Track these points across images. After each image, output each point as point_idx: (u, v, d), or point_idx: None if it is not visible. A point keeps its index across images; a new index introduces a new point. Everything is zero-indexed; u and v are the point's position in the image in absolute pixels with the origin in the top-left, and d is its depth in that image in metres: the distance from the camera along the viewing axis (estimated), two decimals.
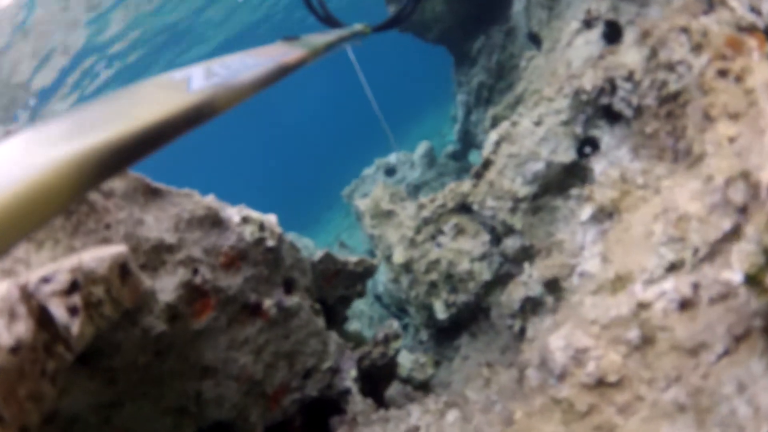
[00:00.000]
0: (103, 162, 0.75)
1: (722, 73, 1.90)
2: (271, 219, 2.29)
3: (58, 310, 1.36)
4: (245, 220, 2.17)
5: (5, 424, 1.35)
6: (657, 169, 2.40)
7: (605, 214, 2.31)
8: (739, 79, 1.84)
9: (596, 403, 1.65)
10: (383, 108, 4.59)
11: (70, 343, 1.42)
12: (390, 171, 7.35)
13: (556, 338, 1.81)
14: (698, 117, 2.08)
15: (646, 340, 1.62)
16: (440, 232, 3.99)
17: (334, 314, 3.20)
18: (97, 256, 1.42)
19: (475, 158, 7.47)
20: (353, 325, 5.35)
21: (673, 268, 1.71)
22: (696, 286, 1.59)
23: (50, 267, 1.40)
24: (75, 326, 1.35)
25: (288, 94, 39.74)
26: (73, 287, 1.38)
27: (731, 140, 1.74)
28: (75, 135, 0.76)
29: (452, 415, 2.60)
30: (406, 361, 3.84)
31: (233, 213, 2.17)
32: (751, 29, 2.01)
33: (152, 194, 1.99)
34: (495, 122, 4.96)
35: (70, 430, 1.90)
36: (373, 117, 4.72)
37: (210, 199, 2.12)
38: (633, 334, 1.64)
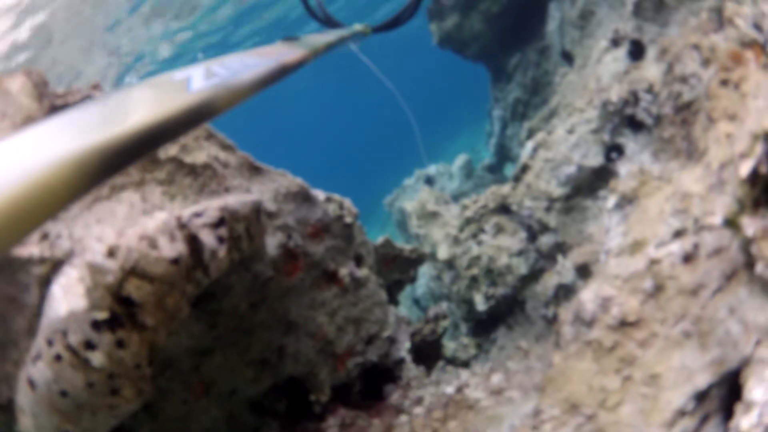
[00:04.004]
0: (104, 161, 0.78)
1: (724, 82, 2.30)
2: (348, 201, 2.74)
3: (208, 237, 1.69)
4: (329, 199, 2.62)
5: (146, 331, 1.59)
6: (671, 165, 2.81)
7: (627, 201, 2.72)
8: (737, 86, 2.25)
9: (620, 340, 2.06)
10: (420, 123, 4.86)
11: (209, 269, 1.74)
12: (429, 181, 7.80)
13: (587, 292, 2.23)
14: (705, 120, 2.49)
15: (658, 288, 2.03)
16: (482, 230, 4.40)
17: (389, 296, 3.60)
18: (239, 200, 1.84)
19: (509, 171, 7.86)
20: None
21: (679, 234, 2.13)
22: (696, 245, 2.00)
23: (200, 205, 1.78)
24: (222, 251, 1.74)
25: (321, 102, 40.01)
26: (220, 222, 1.73)
27: (728, 136, 2.15)
28: (76, 134, 0.79)
29: (497, 377, 3.00)
30: (449, 344, 4.24)
31: (319, 192, 2.61)
32: (752, 44, 2.42)
33: (255, 170, 2.36)
34: (530, 134, 5.36)
35: (160, 375, 2.07)
36: (409, 133, 4.89)
37: (300, 180, 2.56)
38: (647, 284, 2.05)
